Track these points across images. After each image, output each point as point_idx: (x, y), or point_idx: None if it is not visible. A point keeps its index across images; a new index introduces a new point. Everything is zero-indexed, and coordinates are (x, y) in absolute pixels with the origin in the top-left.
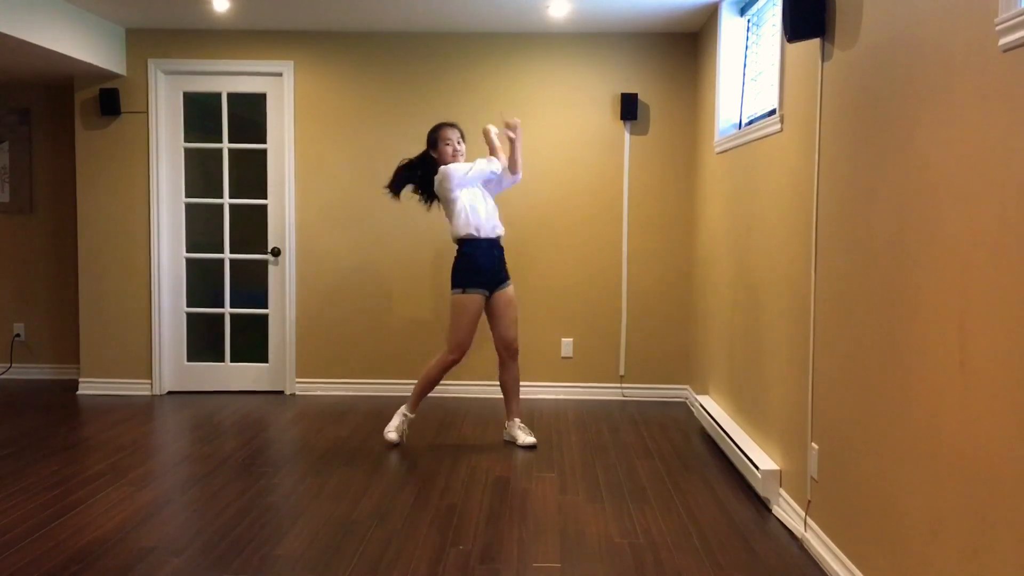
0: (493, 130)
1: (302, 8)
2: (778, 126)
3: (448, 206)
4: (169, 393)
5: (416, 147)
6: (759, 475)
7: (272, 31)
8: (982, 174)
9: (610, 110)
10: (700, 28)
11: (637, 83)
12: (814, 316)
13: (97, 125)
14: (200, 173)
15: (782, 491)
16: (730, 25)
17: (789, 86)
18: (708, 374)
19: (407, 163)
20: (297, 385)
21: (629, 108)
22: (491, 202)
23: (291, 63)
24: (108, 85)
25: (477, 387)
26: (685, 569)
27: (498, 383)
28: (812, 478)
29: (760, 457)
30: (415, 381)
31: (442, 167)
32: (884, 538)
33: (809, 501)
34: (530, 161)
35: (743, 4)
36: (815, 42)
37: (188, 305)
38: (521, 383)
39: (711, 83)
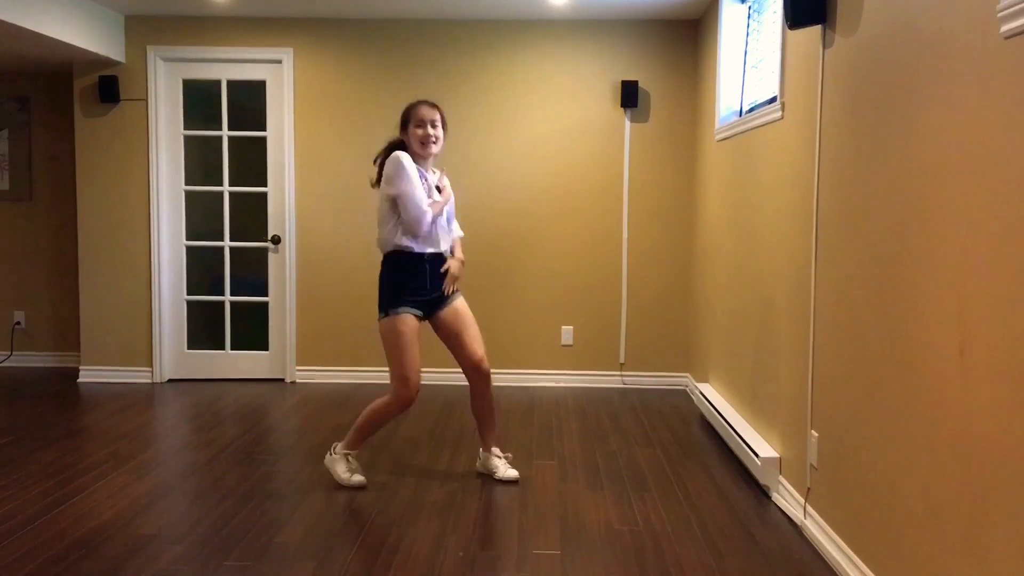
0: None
1: None
2: (779, 113)
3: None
4: (170, 381)
5: None
6: (759, 463)
7: (271, 18)
8: (983, 162)
9: (610, 97)
10: (701, 15)
11: (638, 70)
12: (814, 304)
13: (96, 112)
14: (200, 161)
15: (782, 479)
16: (731, 12)
17: (790, 73)
18: (708, 362)
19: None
20: (297, 373)
21: (630, 95)
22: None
23: (291, 50)
24: (107, 72)
25: None
26: (685, 556)
27: (500, 371)
28: (812, 466)
29: (760, 445)
30: None
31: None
32: (883, 525)
33: (809, 488)
34: (531, 148)
35: None
36: (816, 29)
37: (188, 293)
38: (522, 371)
39: (712, 70)
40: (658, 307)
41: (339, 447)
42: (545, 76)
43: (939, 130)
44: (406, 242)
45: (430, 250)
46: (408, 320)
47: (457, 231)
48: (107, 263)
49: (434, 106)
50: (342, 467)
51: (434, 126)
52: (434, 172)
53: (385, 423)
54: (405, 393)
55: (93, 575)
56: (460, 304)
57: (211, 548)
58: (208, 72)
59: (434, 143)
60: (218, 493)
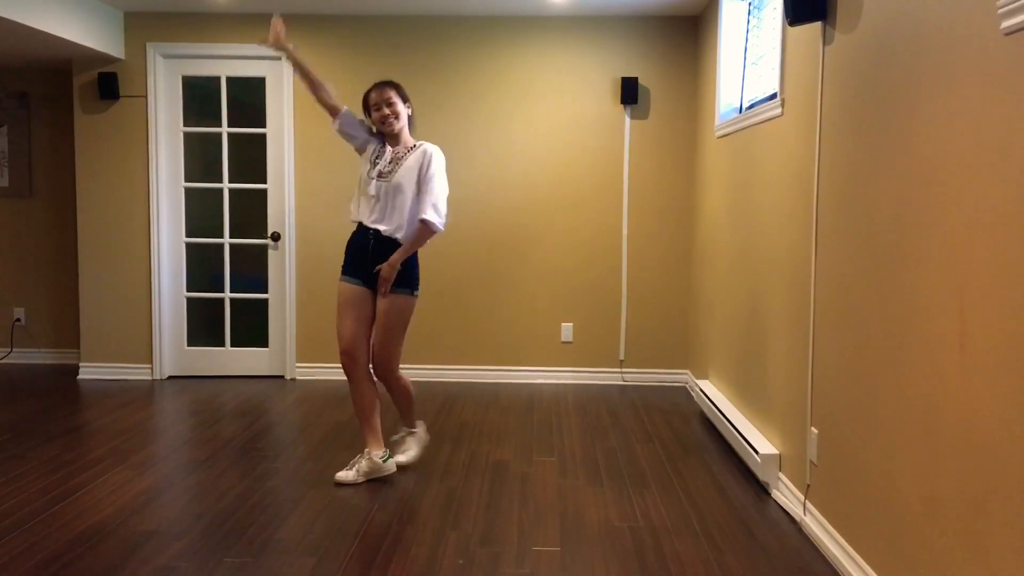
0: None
1: None
2: (779, 110)
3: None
4: (170, 378)
5: (418, 129)
6: (759, 459)
7: (271, 14)
8: (983, 157)
9: (610, 94)
10: (701, 11)
11: (637, 67)
12: (814, 300)
13: (96, 109)
14: (199, 157)
15: (781, 475)
16: (731, 8)
17: (790, 70)
18: (708, 358)
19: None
20: (297, 370)
21: (629, 92)
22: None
23: (290, 46)
24: (107, 69)
25: (477, 371)
26: (684, 552)
27: (500, 368)
28: (811, 462)
29: (760, 441)
30: (416, 366)
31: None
32: (883, 521)
33: (808, 485)
34: (530, 145)
35: None
36: (816, 25)
37: (188, 290)
38: (522, 368)
39: (712, 67)
40: (658, 304)
41: (367, 452)
42: (545, 73)
43: (939, 126)
44: (353, 212)
45: (365, 223)
46: (341, 287)
47: (426, 213)
48: (107, 259)
49: (384, 85)
50: (377, 457)
51: (389, 104)
52: (415, 146)
53: (361, 398)
54: (340, 351)
55: (94, 571)
56: (387, 302)
57: (211, 544)
58: (208, 69)
59: (394, 119)
60: (218, 489)
